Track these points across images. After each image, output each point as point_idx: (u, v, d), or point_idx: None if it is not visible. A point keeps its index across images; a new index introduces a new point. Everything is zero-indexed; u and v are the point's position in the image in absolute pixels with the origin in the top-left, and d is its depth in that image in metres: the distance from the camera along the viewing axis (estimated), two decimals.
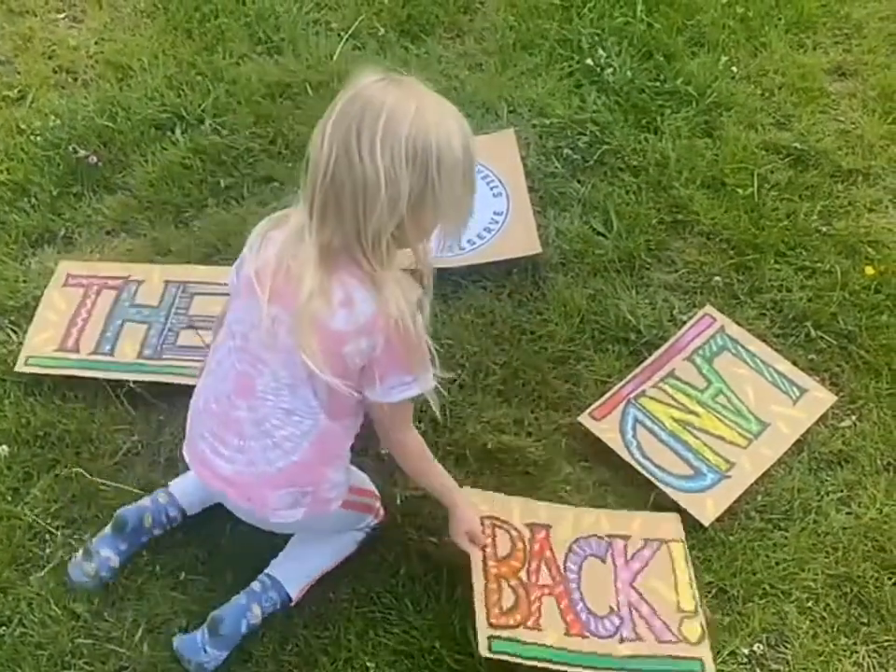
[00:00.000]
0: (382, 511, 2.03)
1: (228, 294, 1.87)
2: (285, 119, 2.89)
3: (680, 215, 2.68)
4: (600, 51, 3.06)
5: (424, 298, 1.66)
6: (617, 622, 1.94)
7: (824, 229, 2.65)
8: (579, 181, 2.76)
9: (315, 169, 1.55)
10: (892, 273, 2.55)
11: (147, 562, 2.03)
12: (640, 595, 1.98)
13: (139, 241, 2.61)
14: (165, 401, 2.24)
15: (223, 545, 2.03)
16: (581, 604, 1.96)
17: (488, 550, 2.01)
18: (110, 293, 2.41)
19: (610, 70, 3.01)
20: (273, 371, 1.71)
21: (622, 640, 1.91)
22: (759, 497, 2.14)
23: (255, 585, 1.92)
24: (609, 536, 2.06)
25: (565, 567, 2.01)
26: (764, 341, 2.41)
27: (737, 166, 2.78)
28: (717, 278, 2.52)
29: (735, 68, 3.07)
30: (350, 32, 3.13)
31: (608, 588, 1.99)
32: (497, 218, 2.64)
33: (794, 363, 2.37)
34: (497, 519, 2.06)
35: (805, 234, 2.63)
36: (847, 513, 2.13)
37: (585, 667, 1.86)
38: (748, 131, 2.89)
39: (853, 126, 2.94)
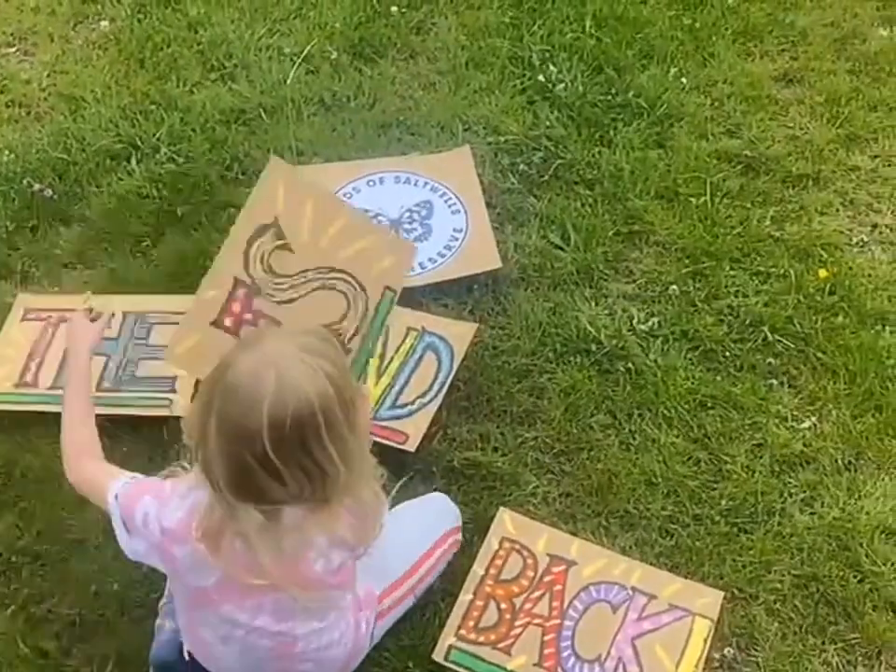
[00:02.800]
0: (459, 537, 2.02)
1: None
2: (240, 145, 2.89)
3: (636, 226, 2.71)
4: (551, 67, 3.09)
5: None
6: (598, 671, 1.90)
7: (777, 234, 2.69)
8: (535, 196, 2.78)
9: None
10: (845, 274, 2.59)
11: (115, 594, 2.02)
12: (637, 653, 1.91)
13: (97, 272, 2.60)
14: (129, 433, 2.23)
15: None
16: (568, 642, 1.93)
17: (493, 571, 2.01)
18: None
19: (562, 86, 3.04)
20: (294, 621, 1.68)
21: None
22: (723, 502, 2.17)
23: None
24: (635, 589, 1.99)
25: (569, 604, 1.97)
26: (722, 345, 2.44)
27: (690, 176, 2.81)
28: (673, 287, 2.55)
29: (684, 79, 3.11)
30: (303, 56, 3.14)
31: (605, 636, 1.93)
32: (457, 235, 2.66)
33: (753, 367, 2.40)
34: (519, 543, 2.06)
35: (759, 240, 2.67)
36: (811, 514, 2.16)
37: None
38: (699, 140, 2.93)
39: (802, 132, 2.99)
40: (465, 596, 1.98)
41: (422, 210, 2.72)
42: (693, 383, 2.37)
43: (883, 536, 2.11)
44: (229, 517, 1.48)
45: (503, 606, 1.97)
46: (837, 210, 2.79)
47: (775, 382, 2.38)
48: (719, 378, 2.38)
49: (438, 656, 1.89)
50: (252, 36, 3.23)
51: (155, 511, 1.58)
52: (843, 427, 2.29)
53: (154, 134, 2.90)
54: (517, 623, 1.95)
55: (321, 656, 1.74)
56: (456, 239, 2.64)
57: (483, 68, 3.14)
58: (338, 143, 2.91)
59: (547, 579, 2.01)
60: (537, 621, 1.96)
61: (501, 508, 2.12)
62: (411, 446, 2.19)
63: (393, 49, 3.22)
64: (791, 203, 2.78)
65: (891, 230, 2.74)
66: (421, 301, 2.52)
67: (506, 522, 2.10)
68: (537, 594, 1.99)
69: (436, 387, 2.30)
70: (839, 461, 2.24)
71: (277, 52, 3.19)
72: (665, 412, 2.31)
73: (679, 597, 1.98)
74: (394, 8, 3.30)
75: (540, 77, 3.07)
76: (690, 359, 2.42)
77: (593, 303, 2.54)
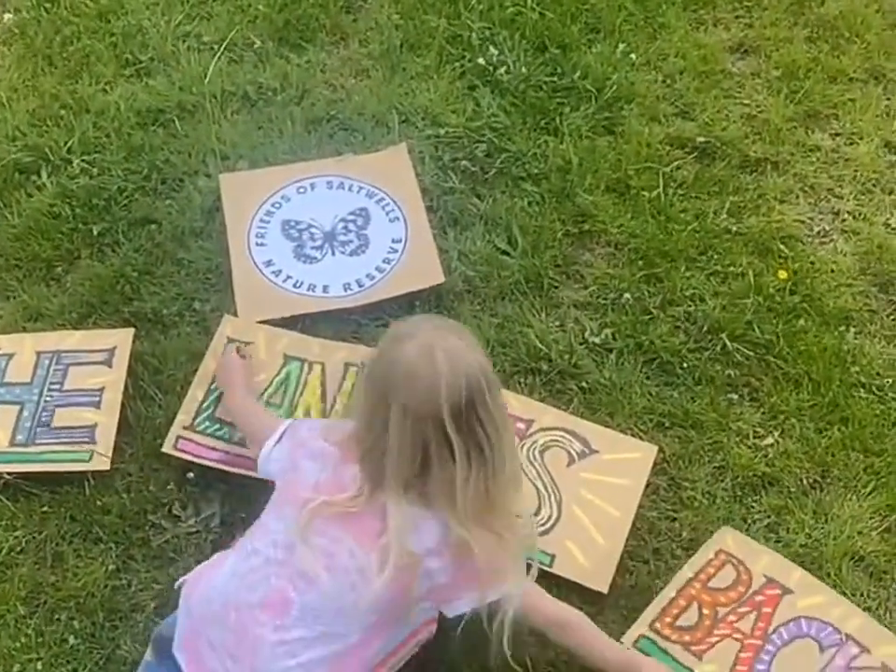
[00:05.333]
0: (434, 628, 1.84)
1: None
2: (159, 150, 2.68)
3: (586, 224, 2.55)
4: (492, 49, 2.88)
5: None
6: None
7: (734, 228, 2.54)
8: (478, 196, 2.60)
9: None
10: (806, 271, 2.46)
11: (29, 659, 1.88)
12: None
13: (8, 304, 2.40)
14: (47, 490, 2.07)
15: (119, 654, 1.89)
16: (765, 666, 1.84)
17: (702, 576, 1.95)
18: None
19: (504, 68, 2.84)
20: (323, 592, 1.57)
21: None
22: (684, 533, 2.05)
23: None
24: (849, 636, 1.87)
25: (774, 630, 1.88)
26: (678, 356, 2.31)
27: (642, 166, 2.65)
28: (626, 295, 2.40)
29: (633, 55, 2.91)
30: (224, 45, 2.91)
31: None
32: (396, 247, 2.48)
33: (712, 379, 2.28)
34: (735, 559, 1.98)
35: (715, 236, 2.52)
36: (776, 542, 2.05)
37: None
38: (650, 124, 2.76)
39: (759, 110, 2.82)
40: (668, 592, 1.93)
41: (358, 219, 2.54)
42: (649, 400, 2.24)
43: (851, 563, 2.02)
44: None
45: (705, 611, 1.90)
46: (797, 197, 2.64)
47: (735, 396, 2.25)
48: (676, 394, 2.25)
49: (628, 641, 1.85)
50: (169, 24, 2.98)
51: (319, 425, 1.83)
52: (807, 443, 2.18)
53: (65, 143, 2.67)
54: (716, 632, 1.88)
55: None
56: (395, 251, 2.47)
57: (419, 51, 2.93)
58: (264, 143, 2.71)
59: (758, 598, 1.93)
60: (737, 635, 1.88)
61: (724, 527, 2.03)
62: None
63: (322, 31, 3.00)
64: (748, 192, 2.63)
65: (854, 216, 2.60)
66: (359, 322, 2.36)
67: (727, 539, 2.01)
68: (744, 609, 1.91)
69: None
70: (804, 481, 2.13)
71: (197, 41, 2.95)
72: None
73: None
74: None
75: (480, 60, 2.87)
76: (645, 374, 2.29)
77: (543, 314, 2.39)
